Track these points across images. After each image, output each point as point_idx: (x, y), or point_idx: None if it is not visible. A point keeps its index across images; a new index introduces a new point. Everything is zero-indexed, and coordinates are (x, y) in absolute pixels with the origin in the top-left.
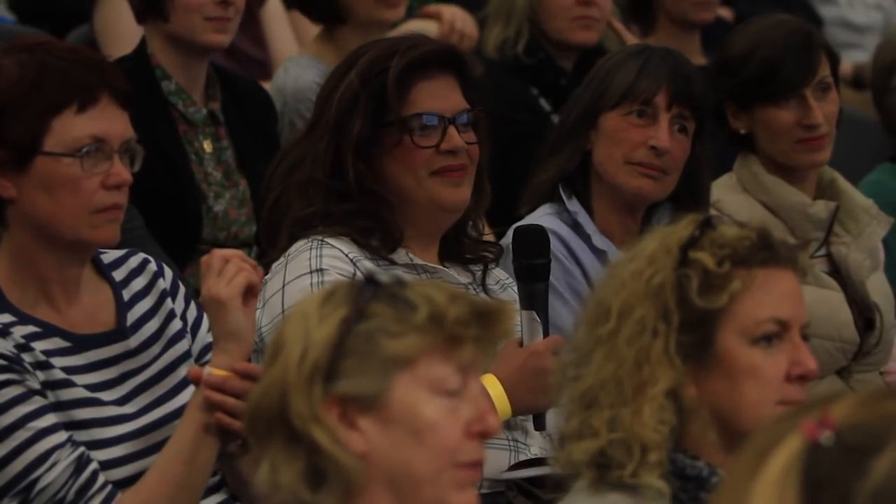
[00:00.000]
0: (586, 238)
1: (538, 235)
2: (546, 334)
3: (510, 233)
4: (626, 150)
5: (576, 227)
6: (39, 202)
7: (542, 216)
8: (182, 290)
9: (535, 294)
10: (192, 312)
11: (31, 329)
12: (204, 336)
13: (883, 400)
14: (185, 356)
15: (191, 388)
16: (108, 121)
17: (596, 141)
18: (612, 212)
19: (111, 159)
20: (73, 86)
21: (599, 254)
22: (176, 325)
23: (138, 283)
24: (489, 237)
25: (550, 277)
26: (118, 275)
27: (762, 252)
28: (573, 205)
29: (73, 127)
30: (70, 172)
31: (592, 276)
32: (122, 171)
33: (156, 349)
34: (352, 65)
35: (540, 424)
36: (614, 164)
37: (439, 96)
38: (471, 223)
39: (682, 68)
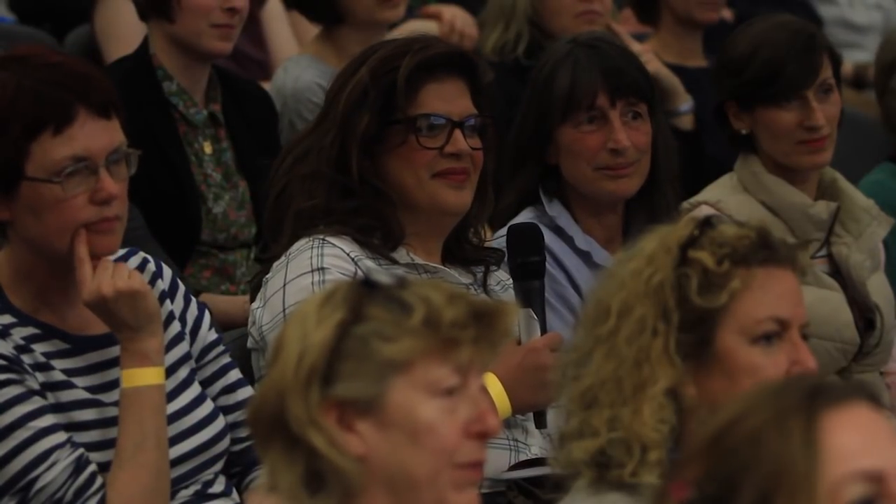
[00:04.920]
0: (569, 240)
1: (532, 233)
2: (543, 331)
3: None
4: (589, 159)
5: (557, 230)
6: (29, 224)
7: (524, 221)
8: (181, 289)
9: (531, 291)
10: (193, 312)
11: (31, 331)
12: (206, 334)
13: (721, 439)
14: (185, 358)
15: (191, 390)
16: (87, 137)
17: (559, 155)
18: (591, 215)
19: (97, 174)
20: (46, 107)
21: (584, 255)
22: (175, 327)
23: None
24: (490, 243)
25: None
26: None
27: (762, 251)
28: (554, 208)
29: (51, 150)
30: (53, 195)
31: (578, 278)
32: (108, 186)
33: None
34: (364, 61)
35: (541, 422)
36: (583, 175)
37: (448, 99)
38: (472, 230)
39: (610, 62)
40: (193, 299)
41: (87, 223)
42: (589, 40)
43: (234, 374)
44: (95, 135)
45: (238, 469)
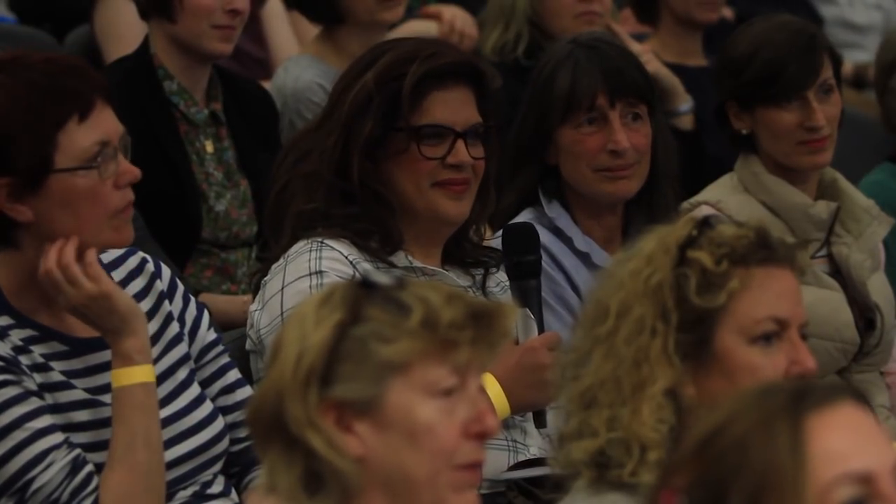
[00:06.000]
0: (568, 241)
1: (527, 232)
2: (541, 330)
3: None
4: (588, 161)
5: (556, 231)
6: (60, 218)
7: (523, 222)
8: (180, 288)
9: (527, 291)
10: (192, 311)
11: (29, 332)
12: (205, 334)
13: (708, 445)
14: (184, 359)
15: (190, 391)
16: (106, 122)
17: (559, 156)
18: (591, 216)
19: (116, 158)
20: (68, 97)
21: (583, 256)
22: (174, 328)
23: (137, 285)
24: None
25: None
26: (117, 275)
27: (760, 251)
28: (553, 209)
29: (79, 138)
30: (88, 183)
31: (577, 279)
32: (130, 168)
33: (155, 352)
34: (370, 64)
35: (540, 422)
36: (583, 177)
37: (453, 108)
38: (473, 228)
39: (610, 62)
40: (193, 299)
41: (117, 210)
42: (589, 41)
43: (234, 375)
44: (110, 120)
45: (237, 469)
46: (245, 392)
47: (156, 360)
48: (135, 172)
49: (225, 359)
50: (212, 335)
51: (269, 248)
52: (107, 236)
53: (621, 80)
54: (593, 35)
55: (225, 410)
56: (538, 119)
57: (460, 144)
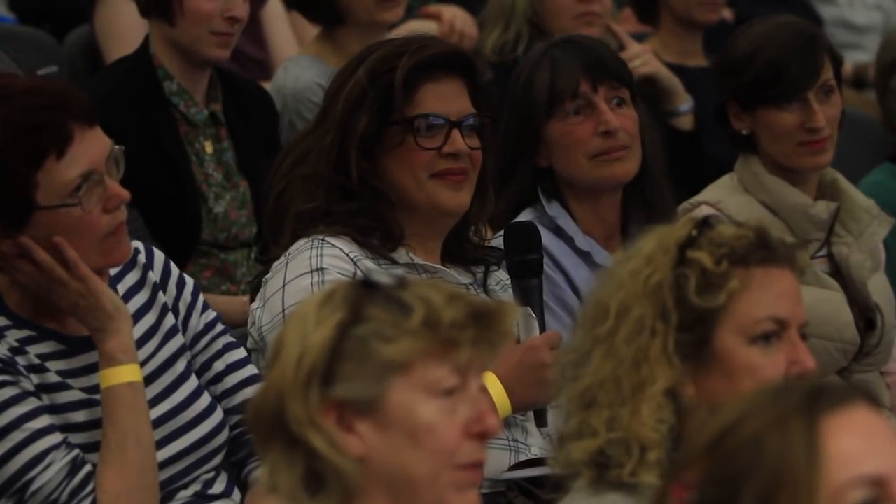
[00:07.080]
0: (569, 241)
1: (529, 231)
2: (542, 329)
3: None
4: (582, 149)
5: (557, 231)
6: (47, 247)
7: (525, 221)
8: (173, 276)
9: (529, 290)
10: (186, 299)
11: (26, 333)
12: (196, 322)
13: (721, 441)
14: (182, 350)
15: (189, 383)
16: (88, 151)
17: (550, 154)
18: (589, 212)
19: (102, 184)
20: (44, 135)
21: (583, 255)
22: (170, 319)
23: (132, 278)
24: (491, 242)
25: None
26: (112, 270)
27: (760, 251)
28: (553, 209)
29: (59, 174)
30: (72, 217)
31: (577, 279)
32: (119, 191)
33: (152, 345)
34: (362, 61)
35: (541, 421)
36: (579, 166)
37: (446, 99)
38: (473, 228)
39: (588, 53)
40: (188, 283)
41: (106, 233)
42: (563, 38)
43: (223, 362)
44: (93, 145)
45: (239, 457)
46: (239, 375)
47: (154, 353)
48: (123, 195)
49: (223, 341)
50: (207, 318)
51: (269, 252)
52: (97, 260)
53: (601, 65)
54: (568, 35)
55: (221, 396)
56: (523, 121)
57: (455, 134)
